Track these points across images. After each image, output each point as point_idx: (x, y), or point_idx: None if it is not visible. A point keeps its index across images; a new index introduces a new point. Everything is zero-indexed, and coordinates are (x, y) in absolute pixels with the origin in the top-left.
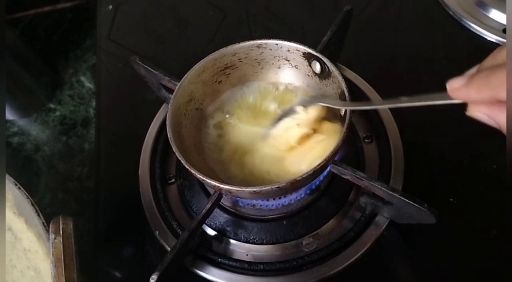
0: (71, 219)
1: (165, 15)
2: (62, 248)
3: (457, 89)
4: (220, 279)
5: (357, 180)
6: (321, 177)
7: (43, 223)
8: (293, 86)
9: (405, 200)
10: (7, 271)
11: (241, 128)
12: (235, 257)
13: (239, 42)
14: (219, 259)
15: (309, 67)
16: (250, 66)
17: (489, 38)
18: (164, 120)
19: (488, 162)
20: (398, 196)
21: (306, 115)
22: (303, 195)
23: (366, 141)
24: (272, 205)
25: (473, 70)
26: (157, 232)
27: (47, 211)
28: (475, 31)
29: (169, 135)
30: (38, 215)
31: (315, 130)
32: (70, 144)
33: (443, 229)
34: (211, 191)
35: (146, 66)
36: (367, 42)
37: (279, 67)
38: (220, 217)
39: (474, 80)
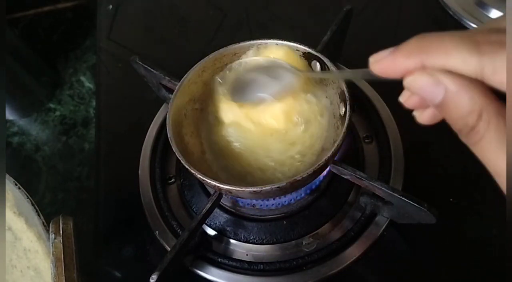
0: (71, 219)
1: (165, 15)
2: (62, 248)
3: (381, 60)
4: (220, 279)
5: (357, 180)
6: (321, 177)
7: (43, 223)
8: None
9: (405, 200)
10: (7, 271)
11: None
12: (235, 257)
13: (239, 42)
14: (219, 259)
15: (309, 67)
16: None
17: None
18: (164, 120)
19: None
20: (398, 196)
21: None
22: (303, 194)
23: (366, 140)
24: (272, 204)
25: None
26: (157, 232)
27: (47, 211)
28: None
29: (169, 135)
30: (38, 215)
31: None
32: (70, 143)
33: (443, 229)
34: (211, 191)
35: (146, 66)
36: (367, 42)
37: None
38: (220, 217)
39: (401, 47)
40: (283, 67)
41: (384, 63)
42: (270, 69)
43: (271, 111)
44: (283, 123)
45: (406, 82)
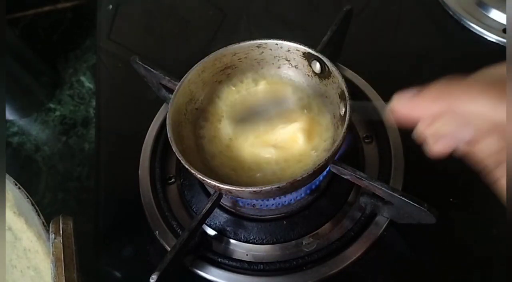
0: (71, 219)
1: (165, 15)
2: (62, 248)
3: (405, 103)
4: (220, 279)
5: (357, 180)
6: (321, 177)
7: (43, 223)
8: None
9: (405, 200)
10: (7, 271)
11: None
12: (235, 257)
13: (239, 42)
14: (219, 259)
15: (309, 67)
16: (250, 66)
17: (489, 38)
18: (164, 120)
19: None
20: (398, 196)
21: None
22: (303, 194)
23: (366, 140)
24: (272, 204)
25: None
26: (157, 232)
27: (47, 211)
28: (475, 31)
29: (169, 135)
30: (38, 215)
31: None
32: (70, 143)
33: (443, 229)
34: (211, 191)
35: (146, 66)
36: (367, 42)
37: (279, 67)
38: (220, 217)
39: (428, 91)
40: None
41: (408, 107)
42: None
43: (288, 133)
44: (305, 143)
45: (435, 129)
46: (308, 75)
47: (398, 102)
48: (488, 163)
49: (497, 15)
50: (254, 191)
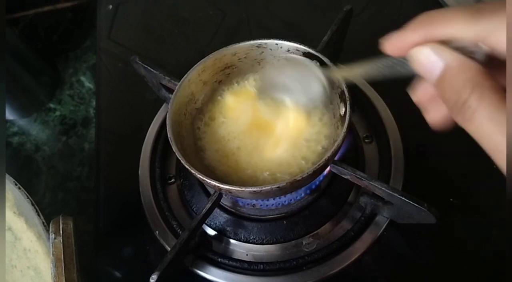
0: (71, 219)
1: (165, 15)
2: (62, 248)
3: (392, 39)
4: (220, 279)
5: (357, 180)
6: (321, 177)
7: (43, 222)
8: None
9: (405, 199)
10: (7, 271)
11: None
12: (235, 257)
13: (239, 42)
14: (219, 259)
15: (311, 62)
16: (250, 66)
17: None
18: (164, 120)
19: (488, 161)
20: (398, 195)
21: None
22: (303, 194)
23: (366, 140)
24: (272, 204)
25: None
26: (157, 232)
27: (47, 211)
28: None
29: (169, 135)
30: (38, 214)
31: None
32: (70, 143)
33: (443, 229)
34: (211, 191)
35: (146, 66)
36: (367, 42)
37: None
38: (220, 217)
39: (409, 23)
40: (316, 74)
41: (394, 41)
42: (303, 74)
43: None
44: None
45: (410, 54)
46: None
47: (387, 39)
48: (456, 100)
49: None
50: (254, 191)
